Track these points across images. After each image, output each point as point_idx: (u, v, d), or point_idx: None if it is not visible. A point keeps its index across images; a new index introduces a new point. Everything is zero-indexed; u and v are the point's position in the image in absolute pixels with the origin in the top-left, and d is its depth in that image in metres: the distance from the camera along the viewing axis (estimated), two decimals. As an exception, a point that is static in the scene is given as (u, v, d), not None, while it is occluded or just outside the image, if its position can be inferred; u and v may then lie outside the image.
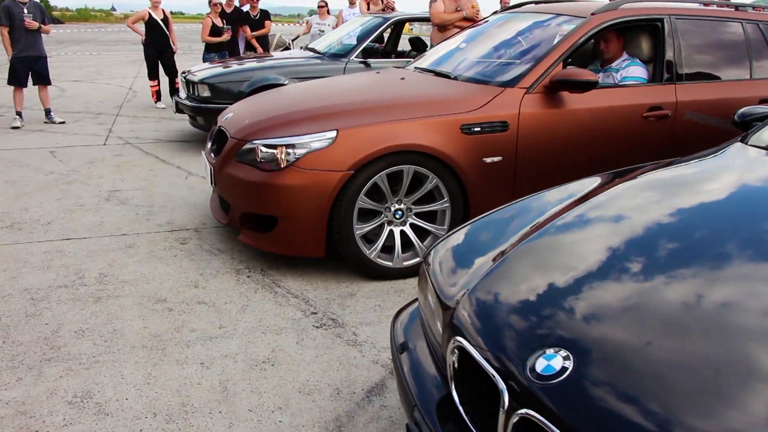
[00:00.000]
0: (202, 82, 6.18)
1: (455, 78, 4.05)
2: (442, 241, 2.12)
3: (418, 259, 3.65)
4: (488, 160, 3.63)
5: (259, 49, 9.09)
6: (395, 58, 7.49)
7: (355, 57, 6.57)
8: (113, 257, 3.87)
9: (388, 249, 3.64)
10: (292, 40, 11.82)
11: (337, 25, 9.73)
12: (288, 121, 3.65)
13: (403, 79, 4.22)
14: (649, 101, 3.95)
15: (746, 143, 2.53)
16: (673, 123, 4.00)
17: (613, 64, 4.24)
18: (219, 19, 8.45)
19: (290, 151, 3.44)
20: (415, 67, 4.59)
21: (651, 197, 2.03)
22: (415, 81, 4.18)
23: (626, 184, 2.17)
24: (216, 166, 3.82)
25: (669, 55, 4.07)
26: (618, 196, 2.08)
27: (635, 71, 4.10)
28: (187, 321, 3.13)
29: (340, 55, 6.69)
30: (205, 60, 8.48)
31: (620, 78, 4.15)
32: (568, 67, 3.93)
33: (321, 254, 3.54)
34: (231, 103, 6.09)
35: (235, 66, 6.49)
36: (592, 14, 3.99)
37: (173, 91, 8.92)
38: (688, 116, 4.02)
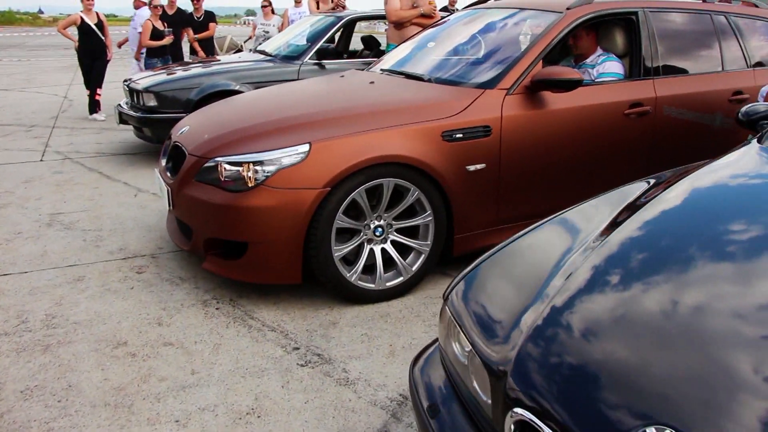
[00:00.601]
0: (147, 90, 5.71)
1: (429, 80, 3.75)
2: (464, 277, 1.82)
3: (401, 279, 3.35)
4: (471, 168, 3.35)
5: (201, 53, 8.59)
6: (347, 58, 7.15)
7: (309, 59, 6.20)
8: (61, 294, 3.43)
9: (367, 269, 3.33)
10: (244, 42, 11.32)
11: (282, 26, 9.31)
12: (253, 135, 3.28)
13: (372, 83, 3.90)
14: (629, 98, 3.75)
15: (763, 144, 2.32)
16: (654, 119, 3.81)
17: (588, 60, 4.03)
18: (160, 22, 7.92)
19: (258, 168, 3.08)
20: (381, 69, 4.27)
21: (700, 221, 1.77)
22: (386, 85, 3.87)
23: (660, 207, 1.91)
24: (174, 187, 3.42)
25: (645, 49, 3.88)
26: (661, 221, 1.82)
27: (612, 67, 3.90)
28: (154, 368, 2.75)
29: (292, 57, 6.31)
30: (147, 66, 7.93)
31: (596, 74, 3.93)
32: (546, 65, 3.69)
33: (297, 280, 3.20)
34: (180, 113, 5.72)
35: (181, 72, 6.03)
36: (568, 9, 3.76)
37: (93, 104, 8.37)
38: (667, 111, 3.85)
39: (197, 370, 2.73)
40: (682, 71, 4.02)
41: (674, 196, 1.93)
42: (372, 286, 3.30)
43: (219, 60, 6.78)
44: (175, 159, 3.60)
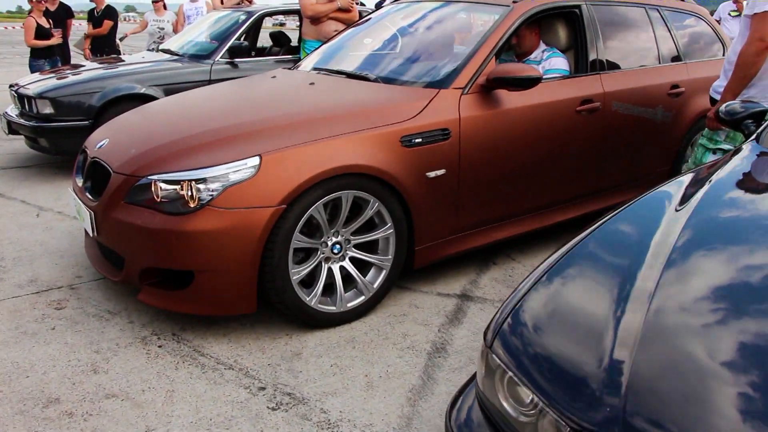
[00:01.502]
0: (41, 96, 5.03)
1: (376, 80, 3.47)
2: (510, 314, 1.55)
3: (363, 298, 3.06)
4: (431, 174, 3.11)
5: (87, 53, 7.81)
6: (256, 56, 6.70)
7: (221, 57, 5.72)
8: (-34, 343, 2.89)
9: (324, 289, 3.01)
10: (120, 39, 10.40)
11: (177, 22, 8.65)
12: (191, 148, 2.87)
13: (312, 84, 3.56)
14: (580, 94, 3.63)
15: (761, 143, 2.24)
16: (604, 115, 3.72)
17: (532, 57, 3.88)
18: (44, 18, 7.09)
19: (201, 186, 2.69)
20: (315, 69, 3.94)
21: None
22: (330, 86, 3.54)
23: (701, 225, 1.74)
24: (98, 210, 2.95)
25: (591, 43, 3.78)
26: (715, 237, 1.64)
27: (558, 63, 3.77)
28: (99, 429, 2.31)
29: (202, 56, 5.79)
30: (33, 69, 7.08)
31: (542, 71, 3.78)
32: (499, 62, 3.50)
33: (252, 309, 2.83)
34: (80, 120, 5.12)
35: (78, 75, 5.38)
36: (515, 2, 3.58)
37: None
38: (616, 107, 3.77)
39: (152, 426, 2.32)
40: (626, 66, 3.96)
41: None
42: (333, 308, 2.99)
43: (120, 60, 6.13)
44: (96, 177, 3.11)
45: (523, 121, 3.39)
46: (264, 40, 7.63)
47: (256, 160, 2.73)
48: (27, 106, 5.19)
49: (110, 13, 7.97)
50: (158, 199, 2.76)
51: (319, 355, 2.79)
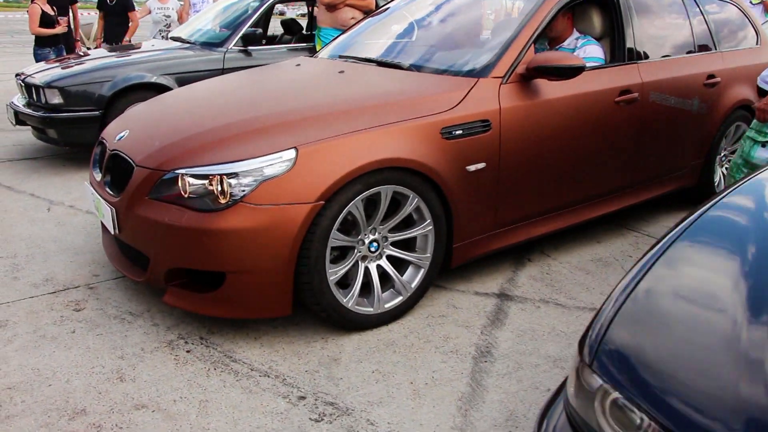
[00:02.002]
0: (49, 85, 4.78)
1: (409, 68, 3.26)
2: (609, 325, 1.36)
3: (400, 299, 2.87)
4: (471, 168, 2.91)
5: (99, 44, 7.50)
6: (267, 44, 6.45)
7: (234, 45, 5.48)
8: (-19, 347, 2.68)
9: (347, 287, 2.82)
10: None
11: (183, 10, 8.36)
12: (221, 140, 2.66)
13: (342, 72, 3.35)
14: (619, 84, 3.43)
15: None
16: (641, 106, 3.53)
17: (565, 44, 3.68)
18: (48, 6, 6.81)
19: (233, 181, 2.48)
20: (341, 56, 3.72)
21: None
22: (361, 75, 3.32)
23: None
24: (120, 207, 2.74)
25: (628, 31, 3.57)
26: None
27: (594, 51, 3.57)
28: (131, 445, 2.12)
29: (214, 43, 5.55)
30: (38, 58, 6.80)
31: (578, 59, 3.59)
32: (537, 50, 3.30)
33: (287, 312, 2.64)
34: (91, 110, 4.88)
35: (87, 64, 5.14)
36: (552, -13, 3.37)
37: None
38: (653, 98, 3.58)
39: (188, 441, 2.14)
40: (662, 55, 3.76)
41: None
42: (370, 310, 2.80)
43: (130, 48, 5.87)
44: (116, 171, 2.90)
45: (563, 112, 3.19)
46: (273, 28, 7.39)
47: (291, 153, 2.52)
48: (35, 96, 4.94)
49: (128, 4, 7.57)
50: (186, 195, 2.55)
51: (359, 360, 2.60)
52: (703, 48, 3.99)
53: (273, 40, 6.80)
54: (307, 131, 2.63)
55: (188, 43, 5.73)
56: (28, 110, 4.99)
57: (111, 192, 2.86)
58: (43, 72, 5.08)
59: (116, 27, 7.48)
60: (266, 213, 2.47)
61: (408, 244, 2.90)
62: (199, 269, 2.59)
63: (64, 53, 6.91)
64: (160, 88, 5.01)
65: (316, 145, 2.56)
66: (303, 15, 11.83)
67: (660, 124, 3.66)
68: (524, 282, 3.26)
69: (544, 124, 3.13)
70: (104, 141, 3.13)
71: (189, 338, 2.74)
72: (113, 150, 2.93)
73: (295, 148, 2.53)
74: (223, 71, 5.21)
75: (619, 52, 3.56)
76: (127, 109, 3.58)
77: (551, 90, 3.15)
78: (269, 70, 3.80)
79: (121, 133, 3.02)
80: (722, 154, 4.20)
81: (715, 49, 4.04)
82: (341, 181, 2.54)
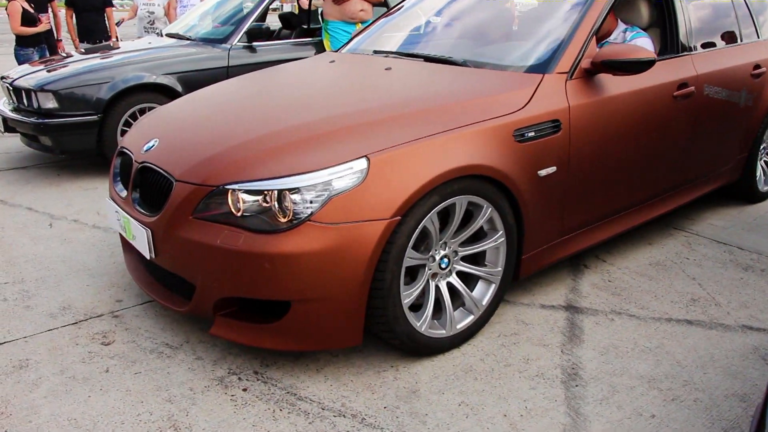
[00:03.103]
0: (42, 89, 4.28)
1: (464, 64, 2.91)
2: None
3: (472, 318, 2.53)
4: (543, 172, 2.58)
5: (75, 39, 6.93)
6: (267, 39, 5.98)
7: (239, 41, 5.03)
8: (4, 394, 2.25)
9: (415, 308, 2.48)
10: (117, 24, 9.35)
11: (169, 5, 7.84)
12: (278, 147, 2.27)
13: (389, 69, 2.98)
14: (676, 78, 3.14)
15: None
16: (696, 100, 3.25)
17: (612, 37, 3.37)
18: (28, 3, 6.21)
19: (296, 197, 2.11)
20: (375, 52, 3.35)
21: None
22: (413, 72, 2.94)
23: None
24: (158, 228, 2.34)
25: (681, 20, 3.29)
26: None
27: (644, 44, 3.27)
28: None
29: (217, 39, 5.09)
30: (20, 59, 6.20)
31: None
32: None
33: (358, 342, 2.28)
34: (88, 115, 4.39)
35: (82, 64, 4.62)
36: (606, -25, 3.06)
37: None
38: (707, 91, 3.30)
39: None
40: (710, 45, 3.49)
41: None
42: (443, 332, 2.46)
43: (124, 46, 5.34)
44: (147, 186, 2.49)
45: (626, 109, 2.89)
46: (269, 22, 6.92)
47: (363, 163, 2.16)
48: (25, 101, 4.42)
49: None
50: (238, 213, 2.17)
51: (440, 392, 2.26)
52: (749, 37, 3.74)
53: (272, 35, 6.36)
54: (374, 137, 2.26)
55: (187, 39, 5.25)
56: (18, 116, 4.47)
57: (144, 211, 2.45)
58: (32, 74, 4.56)
59: (93, 24, 6.89)
60: (337, 233, 2.10)
61: (475, 258, 2.57)
62: (258, 299, 2.22)
63: (47, 54, 6.34)
64: (162, 89, 4.56)
65: (388, 153, 2.20)
66: (275, 9, 11.25)
67: (712, 117, 3.39)
68: (588, 291, 2.96)
69: (610, 122, 2.82)
70: (127, 151, 2.70)
71: (242, 373, 2.37)
72: (142, 162, 2.52)
73: (365, 157, 2.17)
74: (229, 69, 4.78)
75: (672, 43, 3.28)
76: (145, 115, 3.14)
77: (614, 86, 2.85)
78: (302, 68, 3.39)
79: (148, 142, 2.60)
80: (761, 147, 3.96)
81: (758, 37, 3.79)
82: (418, 194, 2.19)
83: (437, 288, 2.45)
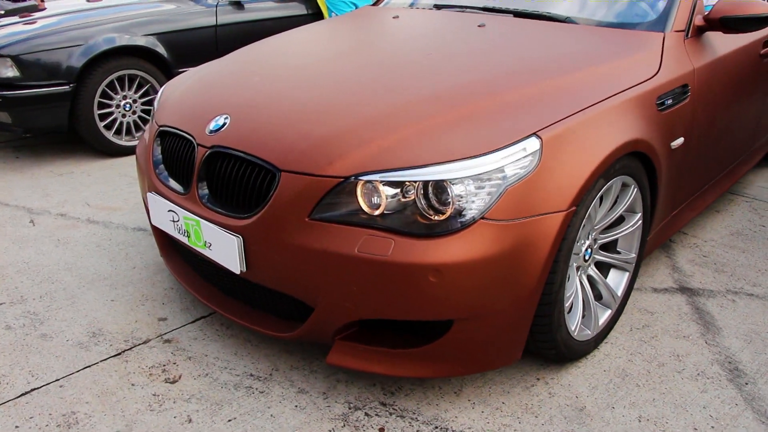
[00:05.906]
0: (-1, 54, 3.35)
1: (567, 20, 2.39)
2: None
3: (609, 313, 2.10)
4: (674, 144, 2.17)
5: None
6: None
7: (224, -3, 4.21)
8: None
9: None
10: None
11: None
12: (421, 126, 1.69)
13: (482, 26, 2.40)
14: (762, 35, 2.81)
15: None
16: (774, 58, 2.94)
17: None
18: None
19: (460, 189, 1.56)
20: (437, 6, 2.75)
21: None
22: (514, 30, 2.36)
23: None
24: (255, 234, 1.71)
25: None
26: None
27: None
28: None
29: (198, -5, 4.24)
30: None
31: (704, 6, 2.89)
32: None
33: (517, 358, 1.79)
34: (58, 85, 3.48)
35: (44, 22, 3.66)
36: None
37: None
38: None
39: None
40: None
41: None
42: (589, 333, 2.01)
43: (84, 2, 4.32)
44: (222, 178, 1.84)
45: (733, 70, 2.51)
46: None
47: (535, 143, 1.64)
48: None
49: None
50: (375, 212, 1.60)
51: (610, 406, 1.83)
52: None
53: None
54: (537, 110, 1.74)
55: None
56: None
57: (226, 212, 1.80)
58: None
59: None
60: (513, 231, 1.59)
61: (606, 245, 2.14)
62: (412, 320, 1.67)
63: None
64: (143, 53, 3.72)
65: (558, 129, 1.69)
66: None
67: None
68: (692, 270, 2.61)
69: (723, 86, 2.43)
70: (179, 131, 2.01)
71: (366, 407, 1.82)
72: (213, 146, 1.86)
73: (536, 134, 1.65)
74: (217, 28, 3.99)
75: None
76: (173, 81, 2.41)
77: (721, 45, 2.46)
78: (362, 26, 2.72)
79: (214, 119, 1.93)
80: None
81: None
82: (593, 177, 1.71)
83: (580, 282, 2.01)
